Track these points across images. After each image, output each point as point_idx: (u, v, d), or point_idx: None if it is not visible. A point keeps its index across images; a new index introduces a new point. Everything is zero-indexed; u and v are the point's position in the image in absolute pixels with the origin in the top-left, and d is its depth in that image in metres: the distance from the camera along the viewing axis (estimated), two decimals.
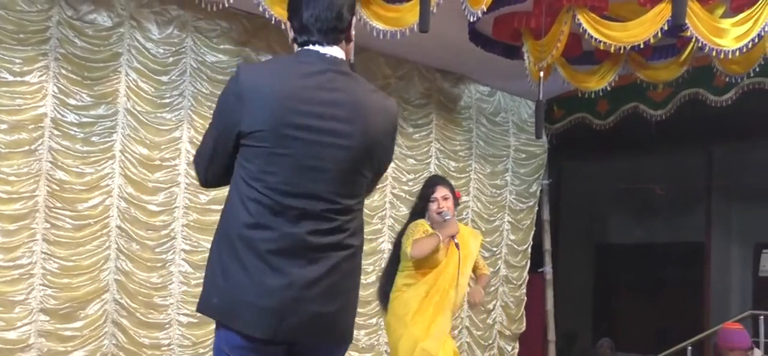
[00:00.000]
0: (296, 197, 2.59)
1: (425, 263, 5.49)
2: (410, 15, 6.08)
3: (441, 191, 5.57)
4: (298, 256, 2.61)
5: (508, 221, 9.83)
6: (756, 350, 6.39)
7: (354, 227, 2.73)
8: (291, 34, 2.79)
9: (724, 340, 6.32)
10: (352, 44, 2.81)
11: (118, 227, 6.70)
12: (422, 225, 5.55)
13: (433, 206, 5.55)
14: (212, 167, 2.74)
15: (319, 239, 2.63)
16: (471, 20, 6.31)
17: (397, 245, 5.67)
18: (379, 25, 6.20)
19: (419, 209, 5.68)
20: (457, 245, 5.51)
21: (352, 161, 2.66)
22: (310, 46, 2.71)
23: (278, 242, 2.59)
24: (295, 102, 2.58)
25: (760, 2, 6.27)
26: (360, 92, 2.76)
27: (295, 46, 2.77)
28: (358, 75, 2.83)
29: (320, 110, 2.61)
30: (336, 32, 2.72)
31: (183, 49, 7.03)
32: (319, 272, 2.64)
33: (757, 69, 7.12)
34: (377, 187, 2.97)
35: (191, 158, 6.97)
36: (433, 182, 5.76)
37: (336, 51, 2.73)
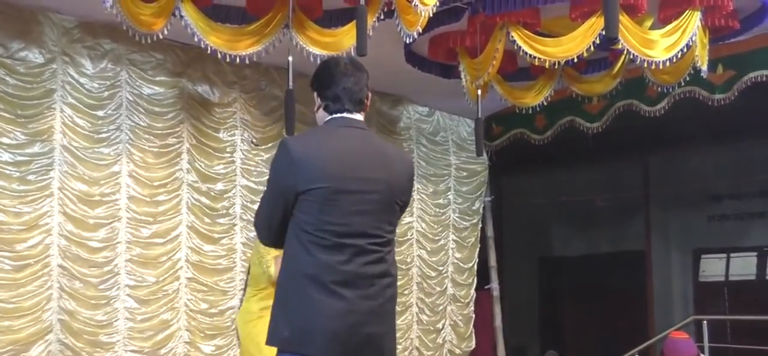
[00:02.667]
0: (348, 236, 3.12)
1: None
2: (347, 38, 6.11)
3: None
4: (354, 286, 3.12)
5: (453, 240, 9.89)
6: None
7: (392, 259, 3.30)
8: (320, 103, 3.36)
9: (671, 350, 6.39)
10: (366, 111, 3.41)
11: (60, 265, 6.58)
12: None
13: None
14: (273, 225, 3.24)
15: (370, 268, 3.16)
16: (407, 41, 6.36)
17: (248, 268, 5.28)
18: (316, 50, 6.20)
19: None
20: None
21: (385, 202, 3.24)
22: (343, 114, 3.29)
23: (337, 274, 3.10)
24: (341, 161, 3.16)
25: (686, 13, 6.43)
26: (382, 146, 3.43)
27: (322, 112, 3.35)
28: (373, 132, 3.48)
29: (359, 164, 3.20)
30: (361, 103, 3.33)
31: (118, 83, 6.96)
32: (371, 298, 3.16)
33: (687, 78, 7.29)
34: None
35: (132, 193, 6.93)
36: None
37: (360, 116, 3.33)
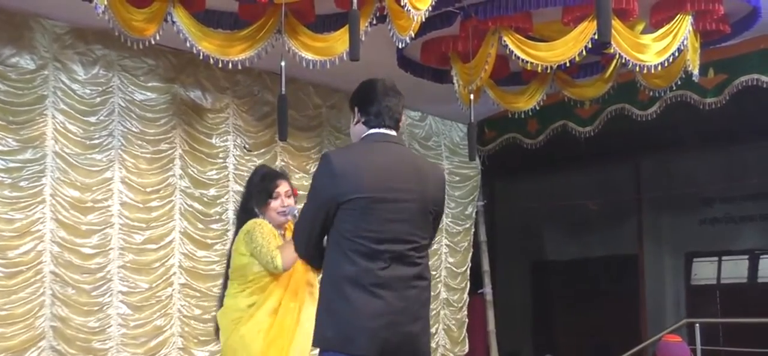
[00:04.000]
0: (385, 242, 3.36)
1: (267, 275, 4.51)
2: (339, 44, 6.10)
3: (284, 186, 4.73)
4: (392, 288, 3.36)
5: (446, 244, 9.90)
6: None
7: (426, 264, 3.54)
8: (360, 118, 3.65)
9: (664, 354, 6.41)
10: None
11: (52, 272, 6.56)
12: (267, 226, 4.60)
13: (276, 204, 4.62)
14: (312, 237, 3.49)
15: (406, 272, 3.41)
16: (399, 47, 6.37)
17: (228, 261, 4.70)
18: (308, 56, 6.20)
19: (250, 208, 4.68)
20: None
21: (420, 210, 3.47)
22: (382, 129, 3.56)
23: (376, 278, 3.34)
24: (379, 173, 3.42)
25: (678, 17, 6.45)
26: (416, 159, 3.77)
27: (361, 127, 3.63)
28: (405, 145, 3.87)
29: (395, 175, 3.45)
30: (398, 122, 3.62)
31: (110, 89, 6.96)
32: (407, 299, 3.40)
33: (679, 82, 7.30)
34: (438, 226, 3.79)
35: (124, 198, 6.92)
36: (274, 176, 4.79)
37: (396, 132, 3.61)
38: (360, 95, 3.69)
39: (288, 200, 4.65)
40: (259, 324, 4.45)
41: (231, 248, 4.65)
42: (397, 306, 3.36)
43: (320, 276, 3.80)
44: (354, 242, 3.35)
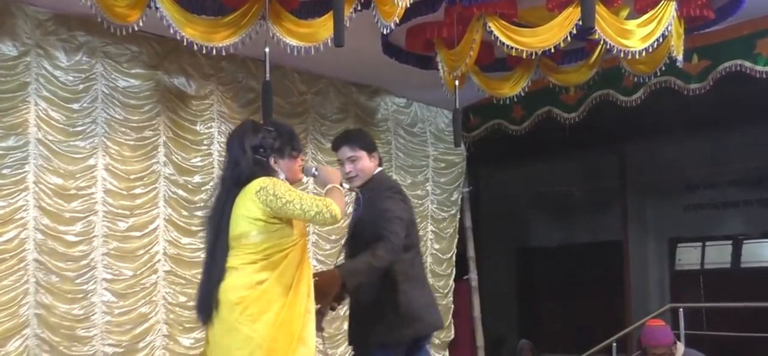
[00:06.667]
0: (418, 247, 4.88)
1: (279, 245, 3.80)
2: (323, 30, 6.08)
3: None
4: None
5: (432, 231, 9.91)
6: (679, 344, 6.55)
7: None
8: (375, 156, 4.78)
9: (648, 338, 6.48)
10: None
11: (36, 260, 6.53)
12: (284, 182, 3.89)
13: (296, 164, 4.03)
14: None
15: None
16: (384, 32, 6.35)
17: (224, 226, 3.83)
18: (293, 42, 6.18)
19: (263, 161, 3.92)
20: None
21: None
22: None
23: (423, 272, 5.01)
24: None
25: (662, 3, 6.46)
26: None
27: (376, 164, 4.79)
28: None
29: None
30: None
31: (93, 76, 6.91)
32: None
33: (663, 68, 7.31)
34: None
35: (108, 186, 6.88)
36: (295, 134, 4.13)
37: None
38: (371, 140, 4.86)
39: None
40: (270, 302, 3.74)
41: (222, 212, 3.86)
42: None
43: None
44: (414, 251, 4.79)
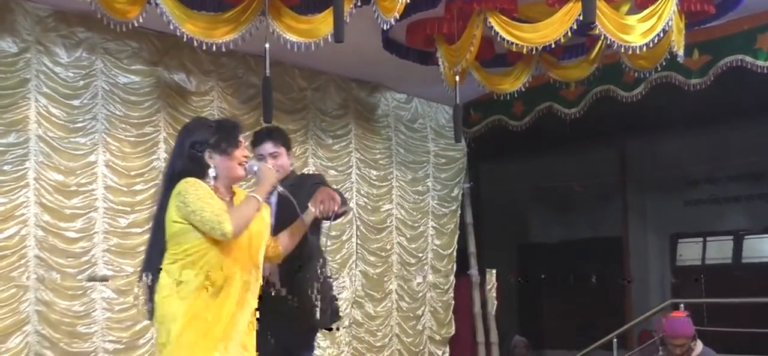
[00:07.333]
0: None
1: (197, 246, 3.67)
2: (324, 26, 6.08)
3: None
4: None
5: (432, 226, 9.91)
6: (699, 341, 6.49)
7: None
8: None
9: (671, 329, 6.45)
10: None
11: (37, 256, 6.53)
12: (203, 185, 3.70)
13: (240, 154, 3.85)
14: None
15: None
16: (384, 28, 6.35)
17: (161, 225, 3.76)
18: (293, 38, 6.17)
19: (199, 157, 3.78)
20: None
21: None
22: None
23: None
24: None
25: None
26: None
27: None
28: None
29: None
30: None
31: (93, 72, 6.90)
32: None
33: (664, 63, 7.30)
34: None
35: (108, 182, 6.88)
36: (235, 130, 3.91)
37: None
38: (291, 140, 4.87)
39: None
40: (184, 305, 3.64)
41: (159, 208, 3.83)
42: None
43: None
44: None
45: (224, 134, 3.80)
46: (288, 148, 4.81)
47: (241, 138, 3.84)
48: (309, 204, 4.13)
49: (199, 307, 3.62)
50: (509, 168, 13.07)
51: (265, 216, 3.91)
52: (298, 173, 5.24)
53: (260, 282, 3.86)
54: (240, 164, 3.81)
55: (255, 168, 3.88)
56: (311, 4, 6.37)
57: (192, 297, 3.63)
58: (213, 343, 3.62)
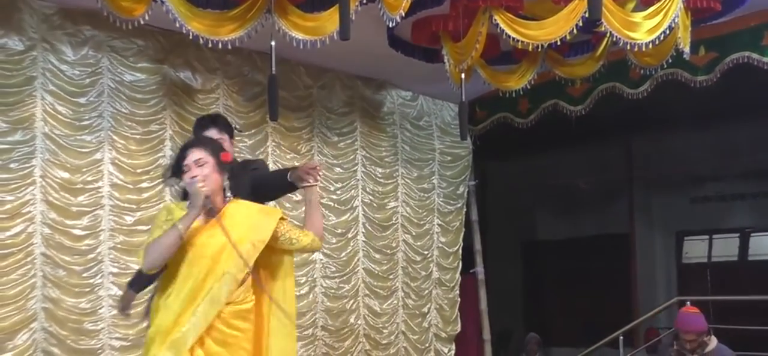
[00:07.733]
0: None
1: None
2: (329, 23, 6.07)
3: (193, 155, 4.14)
4: None
5: (438, 224, 9.91)
6: (712, 337, 6.51)
7: None
8: None
9: (684, 324, 6.48)
10: None
11: (43, 254, 6.54)
12: (166, 212, 4.25)
13: (186, 177, 4.13)
14: None
15: None
16: (390, 26, 6.34)
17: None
18: (299, 35, 6.17)
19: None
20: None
21: None
22: None
23: None
24: None
25: None
26: None
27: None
28: None
29: None
30: None
31: (99, 70, 6.91)
32: None
33: (670, 60, 7.28)
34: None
35: (114, 180, 6.89)
36: (184, 146, 4.29)
37: None
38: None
39: (197, 170, 4.10)
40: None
41: None
42: None
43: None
44: None
45: (175, 164, 4.23)
46: (231, 135, 4.98)
47: (184, 164, 4.14)
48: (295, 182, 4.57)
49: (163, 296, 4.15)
50: (515, 165, 13.06)
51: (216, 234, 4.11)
52: (240, 160, 5.28)
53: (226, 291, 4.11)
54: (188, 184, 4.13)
55: (196, 183, 4.08)
56: (317, 2, 6.37)
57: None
58: (163, 336, 4.06)
